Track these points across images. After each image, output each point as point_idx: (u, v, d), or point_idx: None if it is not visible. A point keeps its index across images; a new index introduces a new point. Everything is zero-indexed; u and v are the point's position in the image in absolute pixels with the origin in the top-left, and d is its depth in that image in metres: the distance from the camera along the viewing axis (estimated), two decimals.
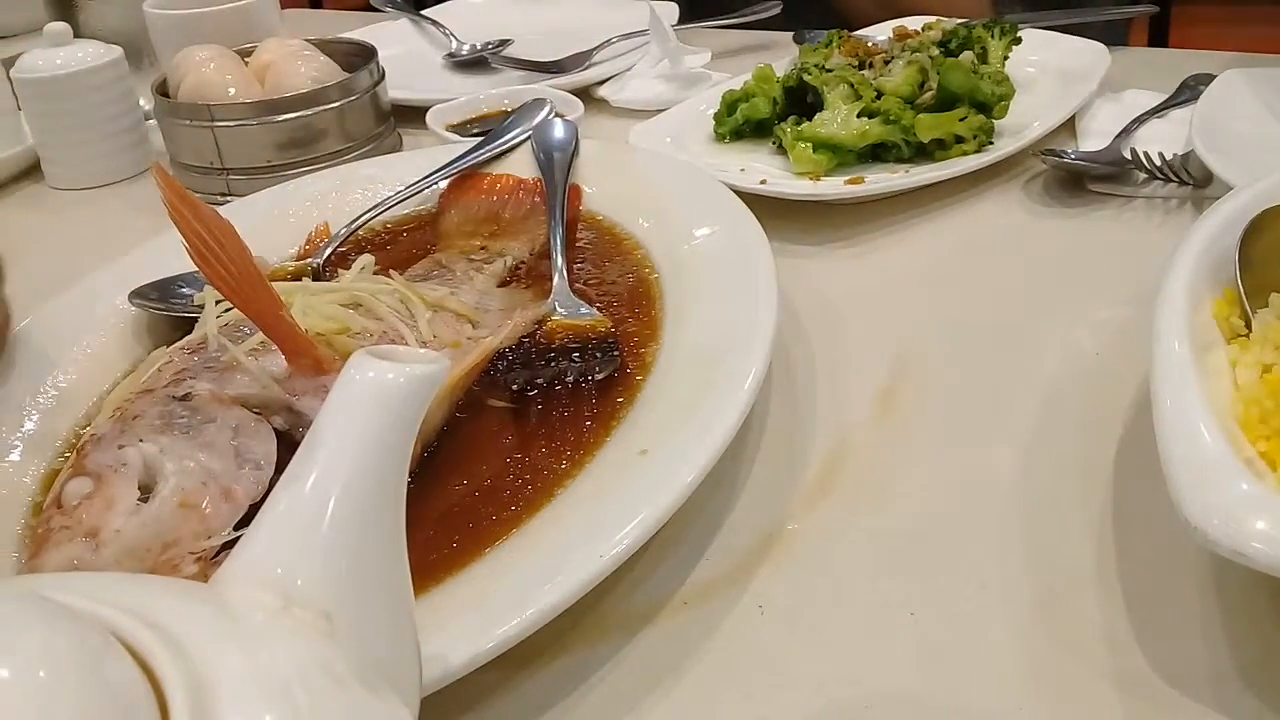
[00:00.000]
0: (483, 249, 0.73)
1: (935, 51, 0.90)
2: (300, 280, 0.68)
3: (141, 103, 1.03)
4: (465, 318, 0.64)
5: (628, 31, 1.17)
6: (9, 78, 1.01)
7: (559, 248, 0.70)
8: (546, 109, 0.88)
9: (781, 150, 0.87)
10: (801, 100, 0.90)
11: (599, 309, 0.65)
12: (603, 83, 1.10)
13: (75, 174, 1.01)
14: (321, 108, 0.92)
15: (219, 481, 0.48)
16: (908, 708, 0.43)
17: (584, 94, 1.04)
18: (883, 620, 0.47)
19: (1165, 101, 0.92)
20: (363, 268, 0.66)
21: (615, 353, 0.61)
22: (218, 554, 0.46)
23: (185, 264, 0.53)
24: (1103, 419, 0.57)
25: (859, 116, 0.84)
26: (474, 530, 0.50)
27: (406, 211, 0.81)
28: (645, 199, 0.75)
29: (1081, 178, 0.82)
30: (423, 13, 1.37)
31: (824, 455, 0.57)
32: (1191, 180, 0.79)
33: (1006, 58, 0.93)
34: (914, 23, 1.03)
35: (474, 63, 1.22)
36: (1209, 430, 0.43)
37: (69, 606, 0.27)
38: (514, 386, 0.59)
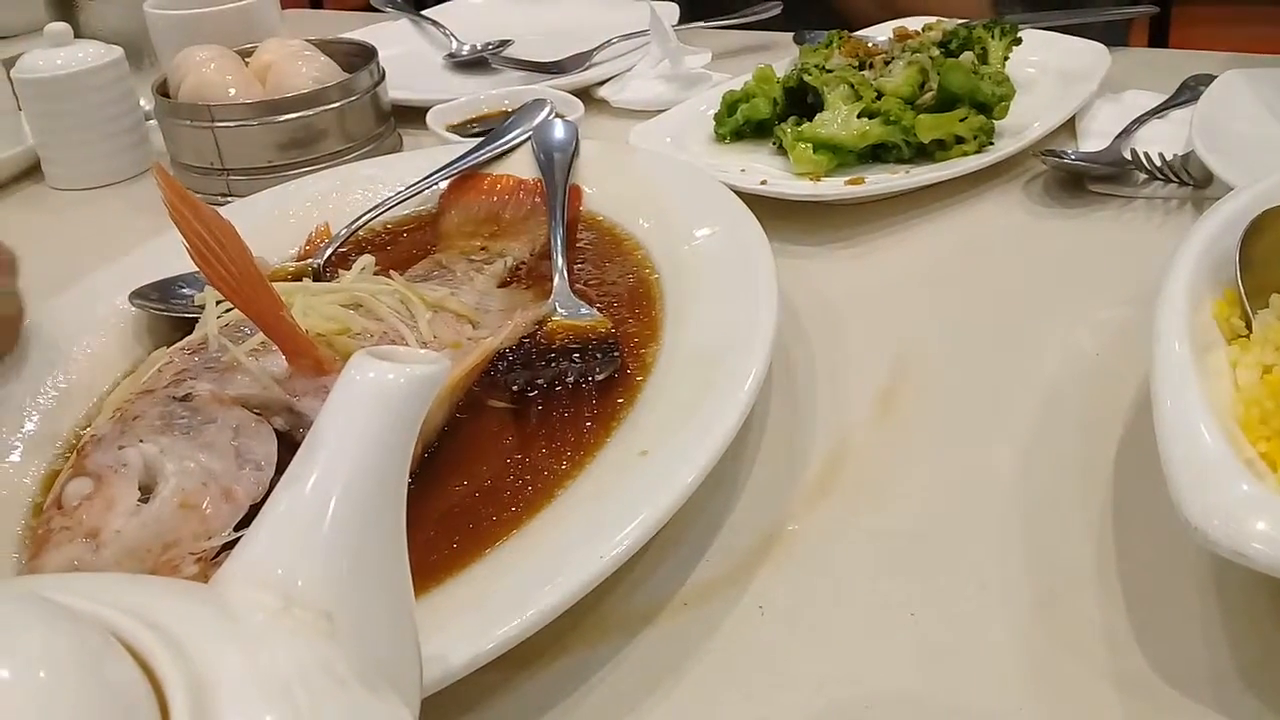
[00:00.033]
0: (483, 249, 0.73)
1: (935, 52, 0.90)
2: (301, 281, 0.68)
3: (142, 103, 1.03)
4: (465, 318, 0.64)
5: (628, 32, 1.17)
6: (9, 78, 1.01)
7: (559, 248, 0.70)
8: (547, 109, 0.88)
9: (782, 151, 0.87)
10: (802, 101, 0.91)
11: (599, 309, 0.65)
12: (603, 83, 1.10)
13: (76, 174, 1.01)
14: (322, 108, 0.92)
15: (219, 482, 0.48)
16: (908, 708, 0.43)
17: (584, 94, 1.04)
18: (883, 620, 0.47)
19: (1165, 102, 0.92)
20: (363, 268, 0.66)
21: (615, 353, 0.61)
22: (218, 554, 0.46)
23: (186, 264, 0.53)
24: (1103, 419, 0.57)
25: (859, 117, 0.84)
26: (474, 531, 0.50)
27: (407, 212, 0.81)
28: (645, 199, 0.75)
29: (1082, 178, 0.82)
30: (423, 13, 1.37)
31: (824, 456, 0.57)
32: (1192, 181, 0.79)
33: (1007, 58, 0.93)
34: (914, 23, 1.03)
35: (474, 63, 1.22)
36: (1209, 431, 0.43)
37: (69, 607, 0.27)
38: (514, 387, 0.59)
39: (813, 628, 0.47)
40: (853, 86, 0.86)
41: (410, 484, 0.34)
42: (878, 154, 0.85)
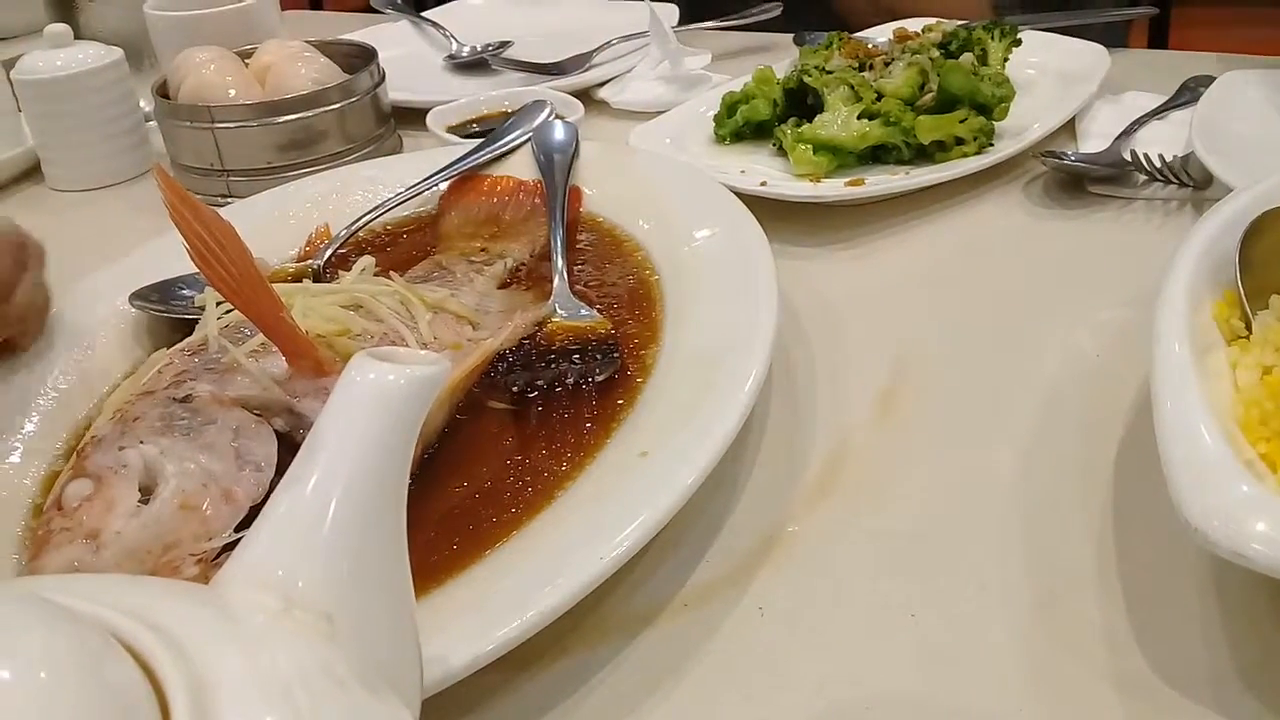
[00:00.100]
0: (483, 251, 0.73)
1: (935, 53, 0.90)
2: (301, 282, 0.68)
3: (142, 104, 1.03)
4: (465, 319, 0.64)
5: (628, 33, 1.17)
6: (9, 79, 1.01)
7: (559, 249, 0.70)
8: (547, 111, 0.88)
9: (782, 152, 0.87)
10: (802, 102, 0.91)
11: (599, 311, 0.65)
12: (603, 84, 1.10)
13: (76, 175, 1.01)
14: (322, 109, 0.92)
15: (219, 483, 0.48)
16: (908, 709, 0.43)
17: (584, 95, 1.04)
18: (883, 621, 0.47)
19: (1165, 103, 0.92)
20: (363, 269, 0.66)
21: (615, 354, 0.61)
22: (218, 556, 0.46)
23: (186, 265, 0.53)
24: (1103, 420, 0.57)
25: (859, 118, 0.84)
26: (474, 532, 0.50)
27: (407, 213, 0.81)
28: (645, 201, 0.75)
29: (1081, 179, 0.82)
30: (423, 14, 1.37)
31: (824, 457, 0.57)
32: (1191, 182, 0.79)
33: (1006, 59, 0.93)
34: (914, 24, 1.03)
35: (474, 64, 1.22)
36: (1209, 432, 0.43)
37: (69, 608, 0.27)
38: (514, 388, 0.59)
39: (813, 629, 0.47)
40: (853, 88, 0.86)
41: (410, 485, 0.34)
42: (878, 155, 0.85)
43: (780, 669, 0.45)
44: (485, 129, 0.93)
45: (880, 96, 0.85)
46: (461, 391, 0.58)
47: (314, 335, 0.56)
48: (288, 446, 0.51)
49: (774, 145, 0.89)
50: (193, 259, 0.51)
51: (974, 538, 0.51)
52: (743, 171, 0.85)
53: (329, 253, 0.75)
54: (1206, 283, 0.54)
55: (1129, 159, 0.81)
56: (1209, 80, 0.91)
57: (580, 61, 1.14)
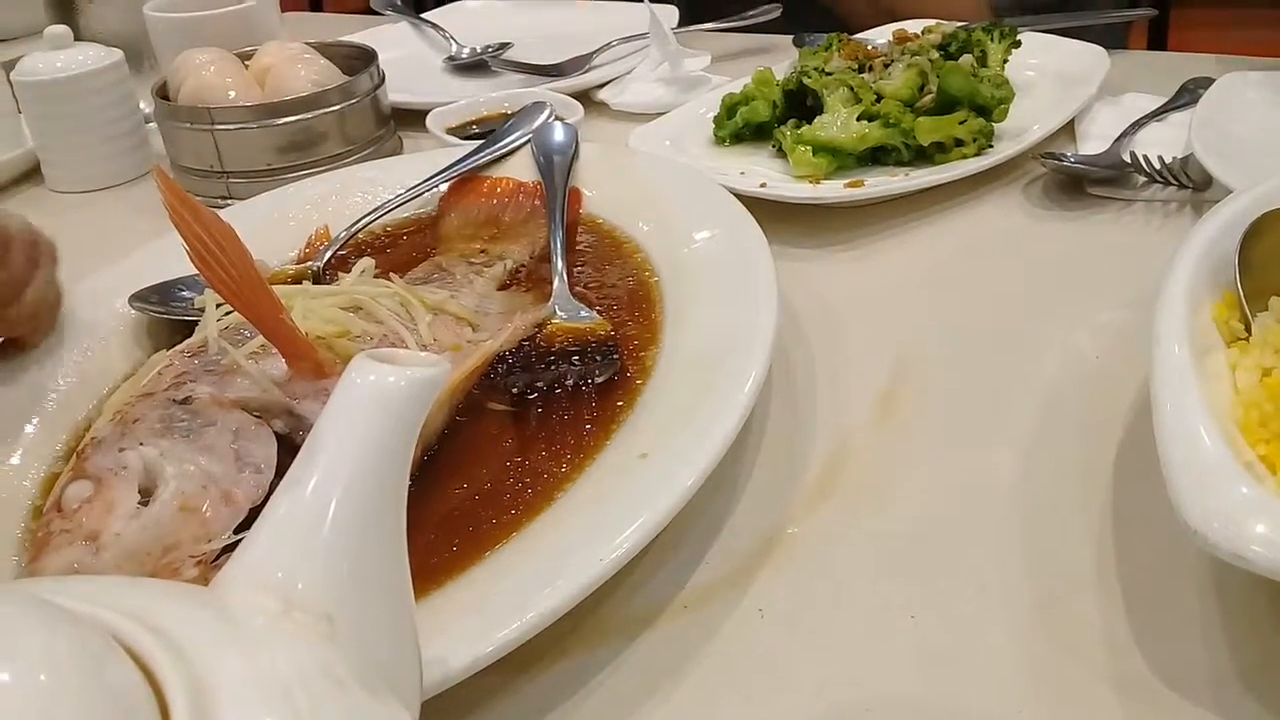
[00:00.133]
0: (483, 252, 0.73)
1: (935, 55, 0.90)
2: (300, 283, 0.68)
3: (142, 106, 1.03)
4: (465, 321, 0.64)
5: (627, 35, 1.17)
6: (9, 81, 1.01)
7: (559, 251, 0.70)
8: (546, 112, 0.88)
9: (781, 153, 0.87)
10: (801, 103, 0.91)
11: (599, 312, 0.65)
12: (602, 86, 1.11)
13: (75, 177, 1.01)
14: (321, 111, 0.92)
15: (219, 485, 0.48)
16: (908, 710, 0.43)
17: (584, 97, 1.04)
18: (883, 623, 0.47)
19: (1164, 105, 0.92)
20: (363, 271, 0.66)
21: (615, 356, 0.61)
22: (218, 557, 0.46)
23: (185, 267, 0.53)
24: (1103, 422, 0.57)
25: (859, 120, 0.84)
26: (474, 534, 0.50)
27: (406, 215, 0.81)
28: (645, 202, 0.75)
29: (1081, 181, 0.82)
30: (423, 16, 1.37)
31: (824, 458, 0.57)
32: (1191, 183, 0.79)
33: (1006, 61, 0.93)
34: (914, 26, 1.03)
35: (474, 66, 1.22)
36: (1209, 434, 0.43)
37: (69, 610, 0.27)
38: (514, 390, 0.59)
39: (813, 630, 0.47)
40: (852, 89, 0.86)
41: (410, 487, 0.34)
42: (877, 157, 0.85)
43: (780, 670, 0.45)
44: (485, 130, 0.93)
45: (880, 98, 0.86)
46: (461, 393, 0.58)
47: (314, 337, 0.56)
48: (287, 448, 0.51)
49: (774, 147, 0.89)
50: (192, 260, 0.51)
51: (974, 539, 0.51)
52: (742, 173, 0.85)
53: (329, 254, 0.75)
54: (1206, 284, 0.54)
55: (1128, 160, 0.81)
56: (1208, 82, 0.92)
57: (580, 63, 1.14)
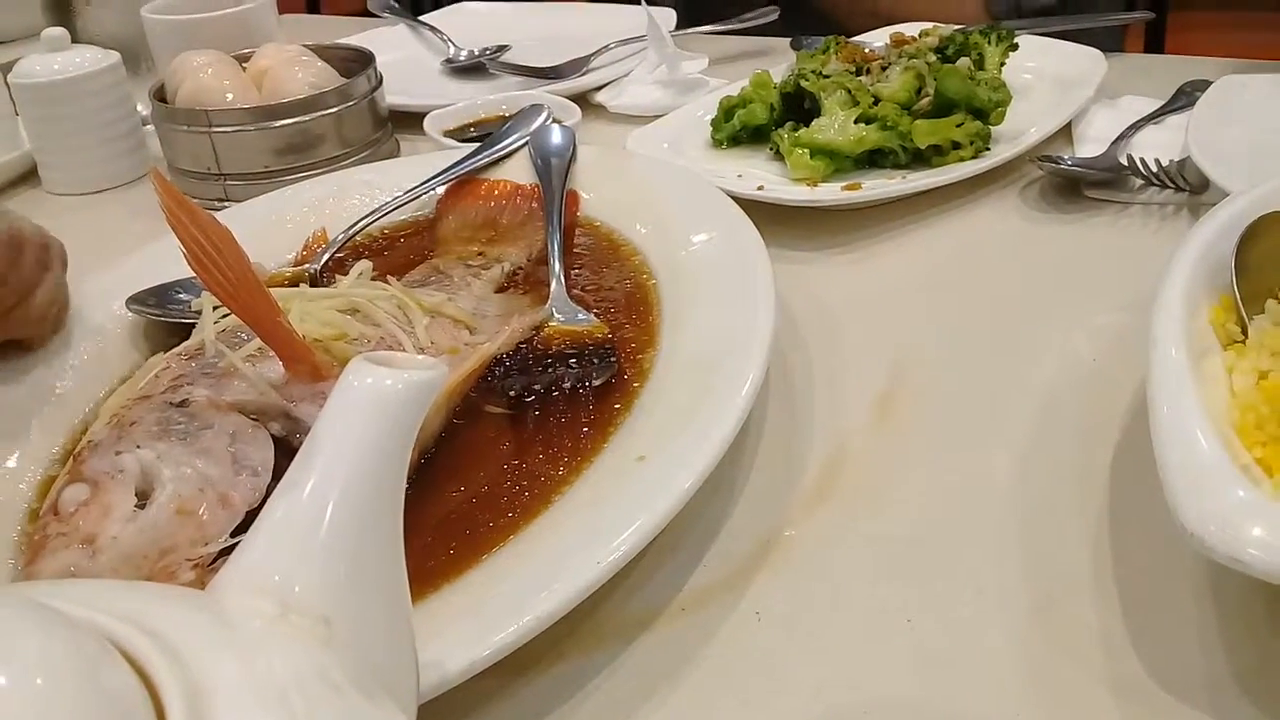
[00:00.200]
0: (480, 255, 0.73)
1: (932, 58, 0.90)
2: (298, 286, 0.68)
3: (139, 108, 1.03)
4: (463, 323, 0.64)
5: (625, 37, 1.17)
6: (6, 83, 1.01)
7: (556, 253, 0.70)
8: (544, 115, 0.88)
9: (779, 156, 0.88)
10: (799, 106, 0.91)
11: (596, 315, 0.65)
12: (600, 88, 1.11)
13: (73, 179, 1.01)
14: (319, 113, 0.92)
15: (216, 488, 0.48)
16: (905, 713, 0.43)
17: (581, 99, 1.04)
18: (880, 626, 0.47)
19: (1161, 107, 0.92)
20: (360, 273, 0.66)
21: (612, 359, 0.61)
22: (215, 561, 0.46)
23: (183, 270, 0.53)
24: (1100, 425, 0.57)
25: (856, 122, 0.84)
26: (471, 537, 0.50)
27: (404, 217, 0.81)
28: (643, 205, 0.75)
29: (1078, 184, 0.82)
30: (420, 18, 1.37)
31: (822, 461, 0.57)
32: (1188, 186, 0.79)
33: (1003, 64, 0.93)
34: (911, 29, 1.03)
35: (472, 68, 1.22)
36: (1205, 436, 0.43)
37: (66, 614, 0.27)
38: (511, 393, 0.59)
39: (810, 633, 0.47)
40: (850, 92, 0.86)
41: (407, 490, 0.34)
42: (874, 159, 0.86)
43: (777, 674, 0.45)
44: (482, 133, 0.93)
45: (877, 101, 0.86)
46: (458, 396, 0.58)
47: (311, 340, 0.56)
48: (284, 451, 0.51)
49: (771, 149, 0.89)
50: (190, 263, 0.51)
51: (971, 542, 0.51)
52: (740, 176, 0.85)
53: (326, 257, 0.75)
54: (1203, 287, 0.54)
55: (1125, 163, 0.81)
56: (1205, 84, 0.92)
57: (578, 65, 1.14)
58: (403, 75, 1.14)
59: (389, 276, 0.66)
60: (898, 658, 0.46)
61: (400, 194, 0.80)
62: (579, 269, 0.71)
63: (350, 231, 0.77)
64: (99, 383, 0.64)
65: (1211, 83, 0.91)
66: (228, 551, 0.44)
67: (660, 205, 0.74)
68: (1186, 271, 0.54)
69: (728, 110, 0.92)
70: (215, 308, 0.59)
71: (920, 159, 0.85)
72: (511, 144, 0.84)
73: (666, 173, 0.80)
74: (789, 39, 1.18)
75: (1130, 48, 1.36)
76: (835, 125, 0.84)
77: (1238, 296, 0.53)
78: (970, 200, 0.83)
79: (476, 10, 1.41)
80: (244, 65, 0.98)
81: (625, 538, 0.45)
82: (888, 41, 0.99)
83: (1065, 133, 0.91)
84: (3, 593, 0.40)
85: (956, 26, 0.97)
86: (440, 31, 1.31)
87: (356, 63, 1.00)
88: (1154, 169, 0.80)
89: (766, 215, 0.73)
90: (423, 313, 0.62)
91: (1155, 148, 0.84)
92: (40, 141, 1.01)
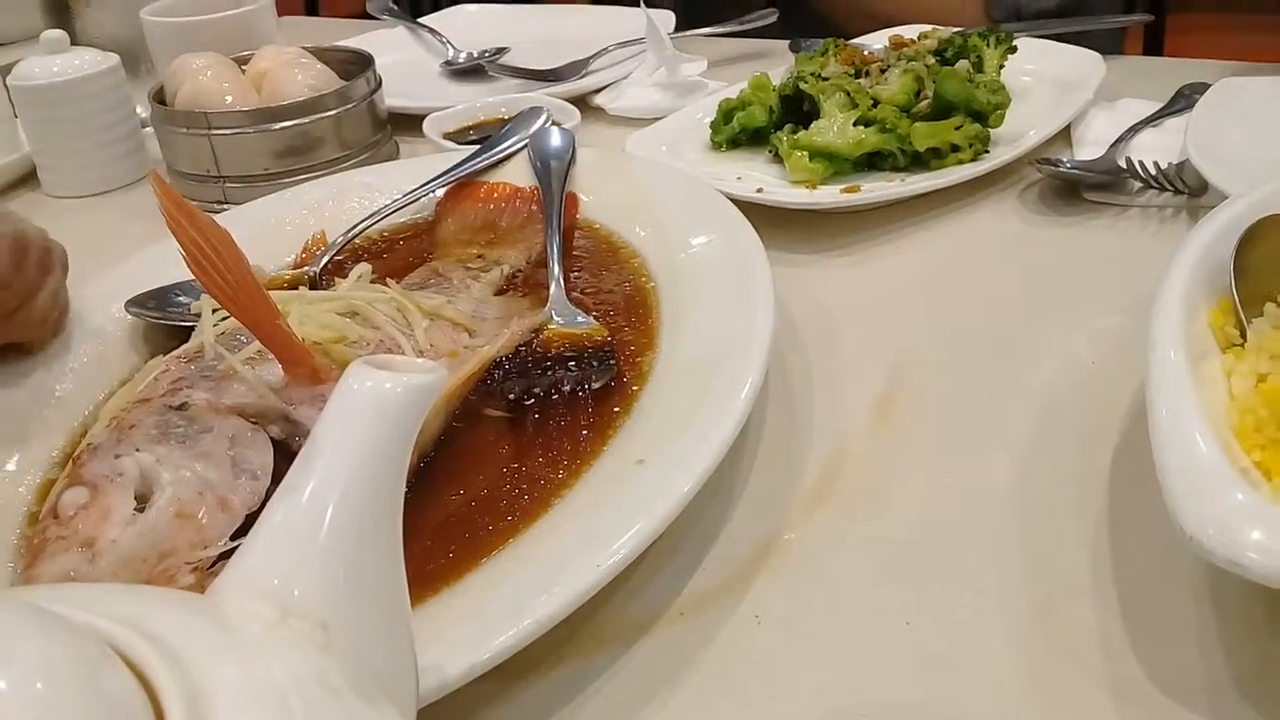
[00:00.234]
0: (479, 257, 0.73)
1: (931, 60, 0.90)
2: (297, 289, 0.68)
3: (138, 110, 1.03)
4: (462, 326, 0.64)
5: (624, 40, 1.17)
6: (5, 85, 1.01)
7: (556, 256, 0.70)
8: (543, 117, 0.88)
9: (778, 158, 0.88)
10: (798, 109, 0.91)
11: (596, 317, 0.65)
12: (599, 91, 1.11)
13: (72, 182, 1.01)
14: (318, 116, 0.92)
15: (215, 491, 0.48)
16: (905, 715, 0.43)
17: (581, 102, 1.04)
18: (880, 628, 0.47)
19: (1160, 110, 0.92)
20: (359, 276, 0.66)
21: (612, 361, 0.61)
22: (214, 564, 0.46)
23: (182, 272, 0.53)
24: (1099, 428, 0.57)
25: (855, 125, 0.85)
26: (470, 540, 0.50)
27: (403, 220, 0.81)
28: (642, 207, 0.75)
29: (1077, 186, 0.82)
30: (420, 21, 1.37)
31: (821, 464, 0.57)
32: (1187, 189, 0.79)
33: (1002, 66, 0.93)
34: (910, 31, 1.03)
35: (471, 71, 1.22)
36: (1204, 439, 0.43)
37: (65, 617, 0.27)
38: (510, 396, 0.59)
39: (809, 636, 0.47)
40: (849, 94, 0.86)
41: (406, 493, 0.34)
42: (873, 162, 0.86)
43: (777, 677, 0.45)
44: (482, 135, 0.93)
45: (876, 103, 0.86)
46: (458, 399, 0.58)
47: (310, 342, 0.56)
48: (284, 454, 0.51)
49: (770, 152, 0.89)
50: (189, 266, 0.51)
51: (970, 545, 0.51)
52: (739, 178, 0.85)
53: (325, 259, 0.75)
54: (1202, 290, 0.54)
55: (1124, 166, 0.81)
56: (1204, 87, 0.92)
57: (577, 68, 1.14)
58: (402, 77, 1.14)
59: (388, 279, 0.66)
60: (897, 660, 0.46)
61: (399, 196, 0.80)
62: (578, 272, 0.71)
63: (349, 234, 0.77)
64: (98, 386, 0.64)
65: (1210, 85, 0.91)
66: (227, 555, 0.44)
67: (659, 208, 0.74)
68: (1185, 274, 0.54)
69: (727, 113, 0.92)
70: (214, 310, 0.59)
71: (919, 161, 0.85)
72: (511, 146, 0.84)
73: (666, 175, 0.80)
74: (788, 41, 1.18)
75: (1129, 50, 1.36)
76: (834, 128, 0.85)
77: (1236, 299, 0.53)
78: (969, 203, 0.83)
79: (475, 12, 1.41)
80: (243, 67, 0.98)
81: (625, 541, 0.45)
82: (887, 44, 0.99)
83: (1064, 135, 0.91)
84: (3, 597, 0.40)
85: (955, 29, 0.97)
86: (439, 34, 1.31)
87: (356, 65, 1.00)
88: (1153, 172, 0.80)
89: (765, 218, 0.73)
90: (422, 315, 0.62)
91: (1154, 150, 0.84)
92: (39, 144, 1.01)
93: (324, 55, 1.00)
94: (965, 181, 0.82)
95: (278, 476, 0.49)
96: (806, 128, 0.86)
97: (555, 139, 0.82)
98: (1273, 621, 0.45)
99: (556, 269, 0.69)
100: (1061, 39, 1.05)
